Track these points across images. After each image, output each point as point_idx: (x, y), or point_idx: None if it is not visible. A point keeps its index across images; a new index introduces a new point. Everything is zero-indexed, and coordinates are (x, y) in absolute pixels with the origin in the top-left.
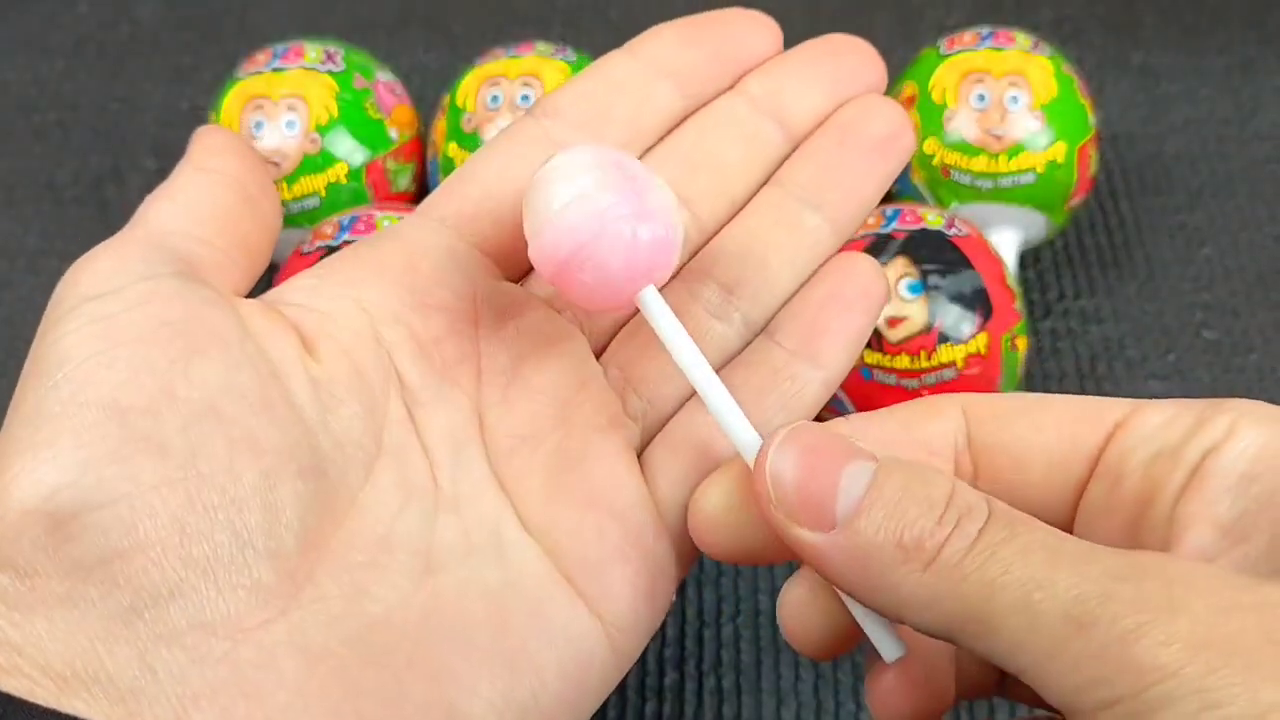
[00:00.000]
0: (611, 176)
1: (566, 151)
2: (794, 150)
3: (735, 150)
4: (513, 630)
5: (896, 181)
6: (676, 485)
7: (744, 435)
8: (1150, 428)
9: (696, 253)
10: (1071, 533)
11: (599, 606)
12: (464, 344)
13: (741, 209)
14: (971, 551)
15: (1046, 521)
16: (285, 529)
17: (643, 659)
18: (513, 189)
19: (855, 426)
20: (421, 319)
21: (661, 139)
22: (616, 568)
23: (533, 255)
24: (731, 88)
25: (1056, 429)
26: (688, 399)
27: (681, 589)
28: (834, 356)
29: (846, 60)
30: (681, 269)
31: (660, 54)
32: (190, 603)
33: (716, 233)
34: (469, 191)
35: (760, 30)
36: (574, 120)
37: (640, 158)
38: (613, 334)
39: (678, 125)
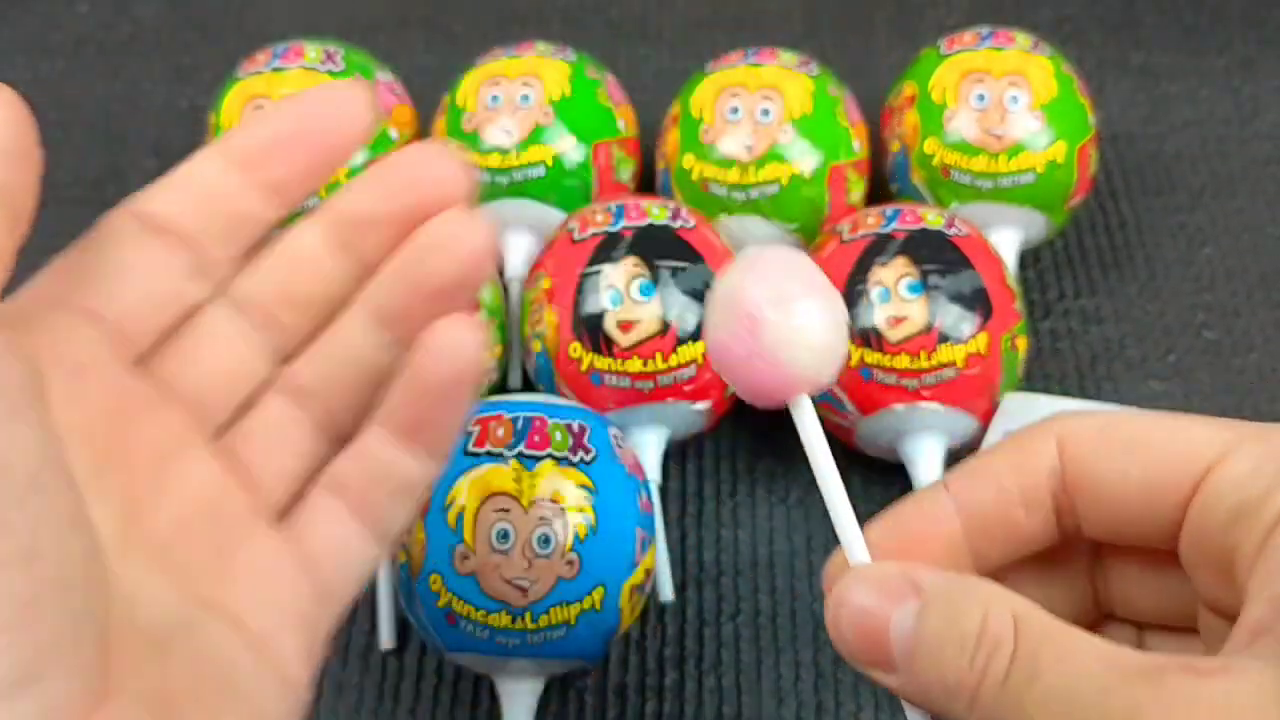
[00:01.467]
0: (797, 285)
1: (761, 252)
2: (372, 273)
3: (313, 282)
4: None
5: (897, 181)
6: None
7: (859, 555)
8: (1232, 480)
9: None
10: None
11: (280, 671)
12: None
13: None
14: (1002, 695)
15: (1153, 545)
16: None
17: (643, 658)
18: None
19: (959, 485)
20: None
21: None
22: (287, 637)
23: (715, 341)
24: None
25: (1143, 476)
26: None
27: (681, 588)
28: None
29: (426, 173)
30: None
31: (252, 155)
32: None
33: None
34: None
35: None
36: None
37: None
38: None
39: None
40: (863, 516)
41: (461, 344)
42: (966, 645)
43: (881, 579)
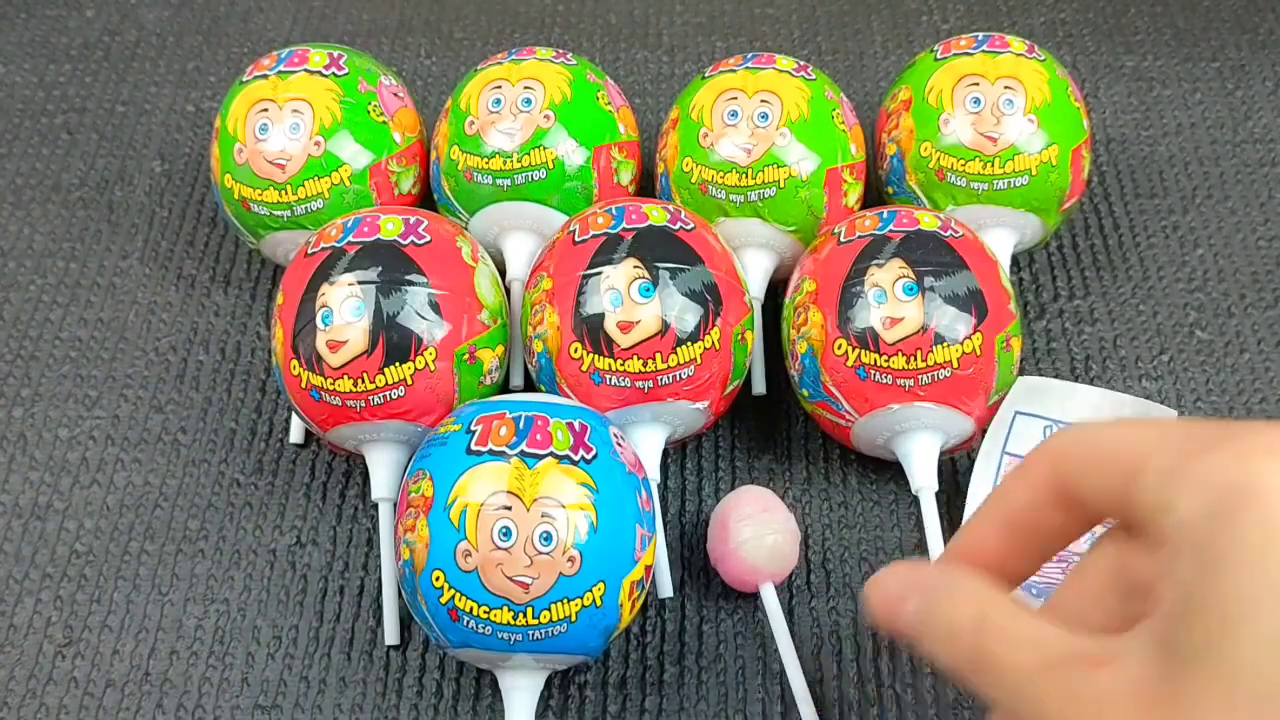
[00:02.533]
0: (769, 518)
1: (740, 493)
2: None
3: None
4: None
5: (893, 184)
6: None
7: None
8: (1146, 481)
9: None
10: None
11: None
12: None
13: None
14: (974, 676)
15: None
16: None
17: (643, 653)
18: None
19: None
20: None
21: None
22: None
23: (708, 540)
24: None
25: (1106, 473)
26: None
27: (681, 585)
28: None
29: None
30: None
31: None
32: None
33: None
34: None
35: None
36: None
37: None
38: None
39: None
40: (863, 515)
41: None
42: (939, 634)
43: (894, 577)
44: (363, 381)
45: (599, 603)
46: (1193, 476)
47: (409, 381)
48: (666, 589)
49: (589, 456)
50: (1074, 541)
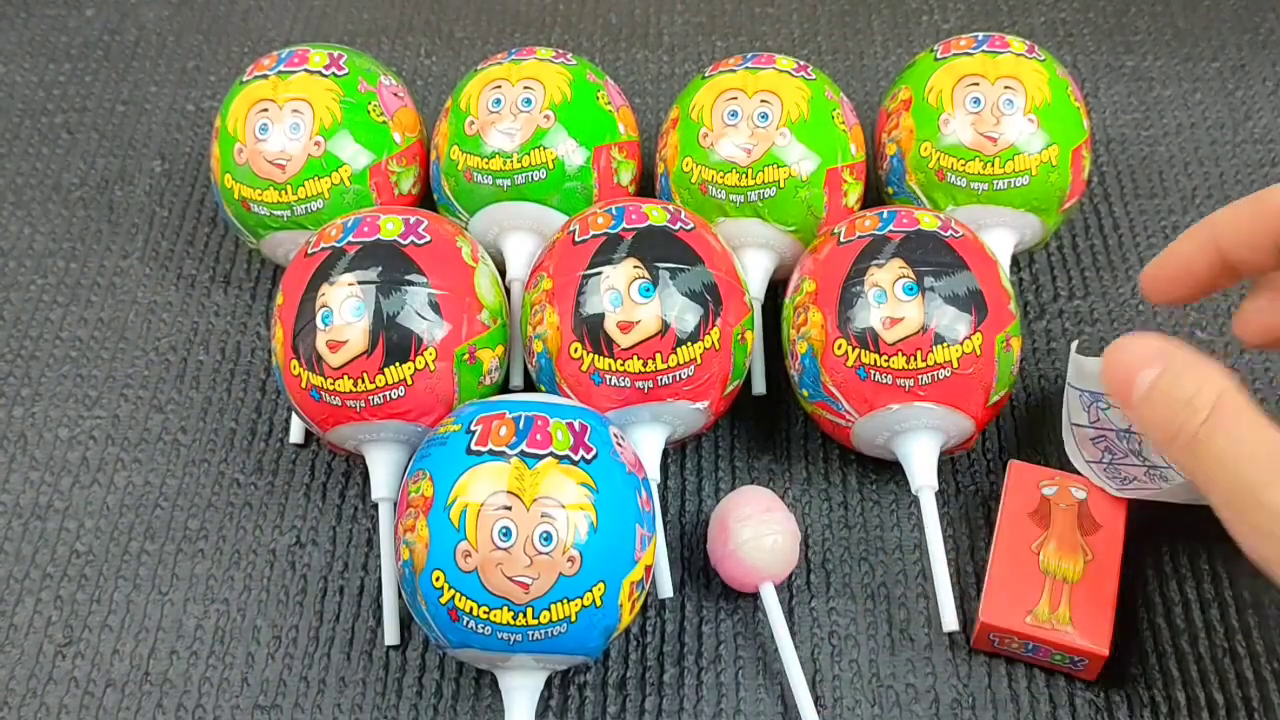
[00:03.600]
0: (769, 519)
1: (740, 494)
2: None
3: None
4: None
5: (893, 184)
6: None
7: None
8: None
9: None
10: None
11: None
12: None
13: None
14: (1191, 445)
15: None
16: None
17: (643, 654)
18: None
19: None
20: None
21: None
22: None
23: (709, 541)
24: None
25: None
26: None
27: (680, 585)
28: None
29: None
30: None
31: None
32: None
33: None
34: None
35: None
36: None
37: None
38: None
39: None
40: (863, 515)
41: None
42: (1176, 405)
43: (1146, 343)
44: (363, 381)
45: (599, 603)
46: None
47: (409, 381)
48: (666, 589)
49: (589, 456)
50: None
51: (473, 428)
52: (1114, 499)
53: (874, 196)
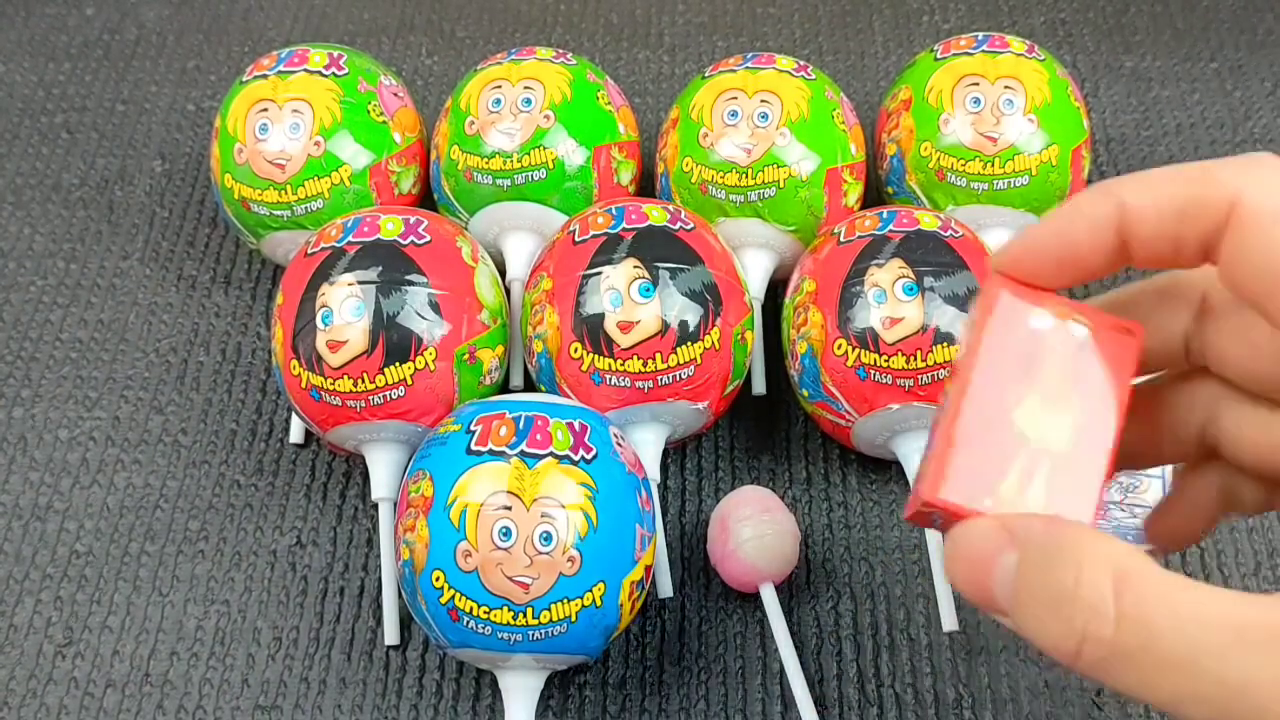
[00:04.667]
0: (769, 519)
1: (740, 494)
2: None
3: None
4: None
5: (893, 184)
6: None
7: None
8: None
9: None
10: None
11: None
12: None
13: None
14: (1111, 658)
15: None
16: None
17: (643, 654)
18: None
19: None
20: None
21: None
22: None
23: (709, 541)
24: None
25: (1179, 205)
26: None
27: (680, 585)
28: None
29: None
30: None
31: None
32: None
33: None
34: None
35: None
36: None
37: None
38: None
39: None
40: (863, 515)
41: None
42: (1061, 607)
43: (978, 544)
44: (363, 381)
45: (599, 603)
46: None
47: (409, 381)
48: (666, 589)
49: (589, 456)
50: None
51: (473, 428)
52: (1127, 342)
53: (874, 196)
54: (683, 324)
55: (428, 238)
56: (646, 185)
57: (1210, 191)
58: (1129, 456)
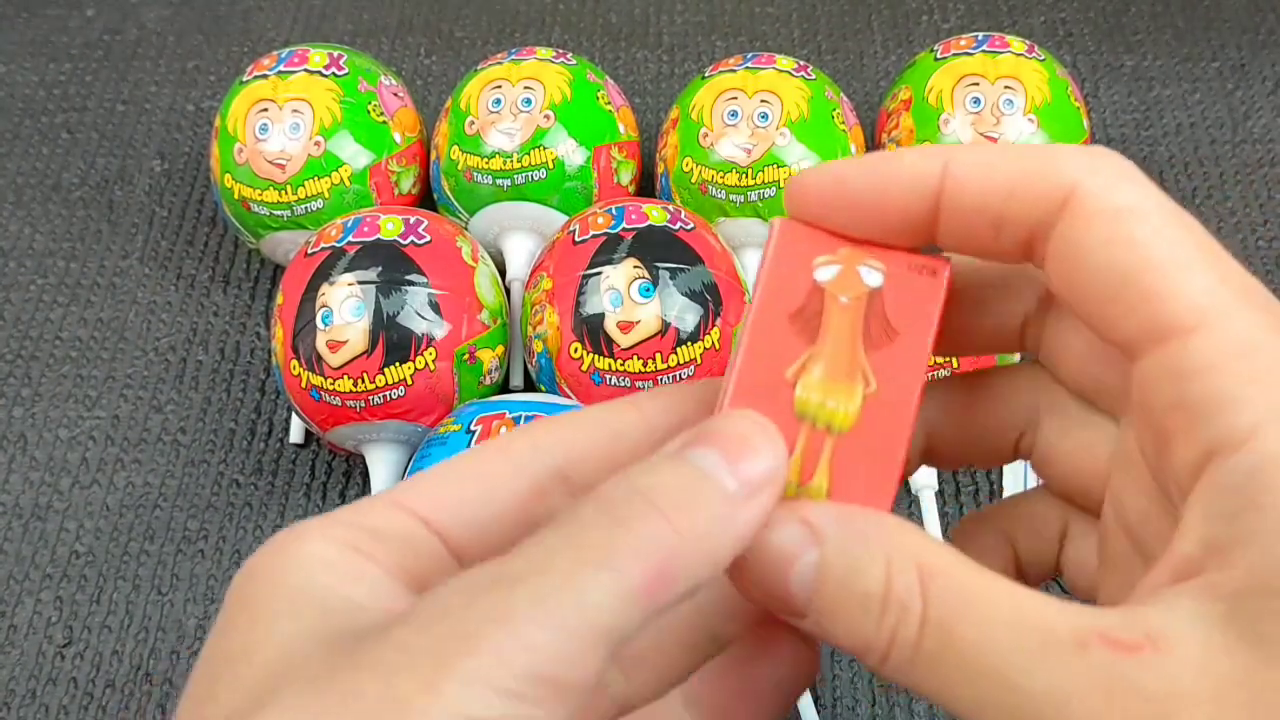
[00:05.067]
0: None
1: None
2: None
3: None
4: None
5: None
6: None
7: None
8: (1206, 359)
9: None
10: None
11: None
12: None
13: None
14: (916, 661)
15: (1005, 257)
16: None
17: None
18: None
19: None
20: None
21: None
22: None
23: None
24: None
25: (1013, 183)
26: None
27: None
28: None
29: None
30: None
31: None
32: None
33: None
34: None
35: None
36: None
37: None
38: None
39: None
40: None
41: (803, 657)
42: (870, 606)
43: (779, 523)
44: (363, 381)
45: None
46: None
47: (409, 381)
48: None
49: None
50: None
51: (473, 428)
52: (929, 285)
53: None
54: (683, 324)
55: (428, 238)
56: (646, 185)
57: (1047, 174)
58: (935, 454)
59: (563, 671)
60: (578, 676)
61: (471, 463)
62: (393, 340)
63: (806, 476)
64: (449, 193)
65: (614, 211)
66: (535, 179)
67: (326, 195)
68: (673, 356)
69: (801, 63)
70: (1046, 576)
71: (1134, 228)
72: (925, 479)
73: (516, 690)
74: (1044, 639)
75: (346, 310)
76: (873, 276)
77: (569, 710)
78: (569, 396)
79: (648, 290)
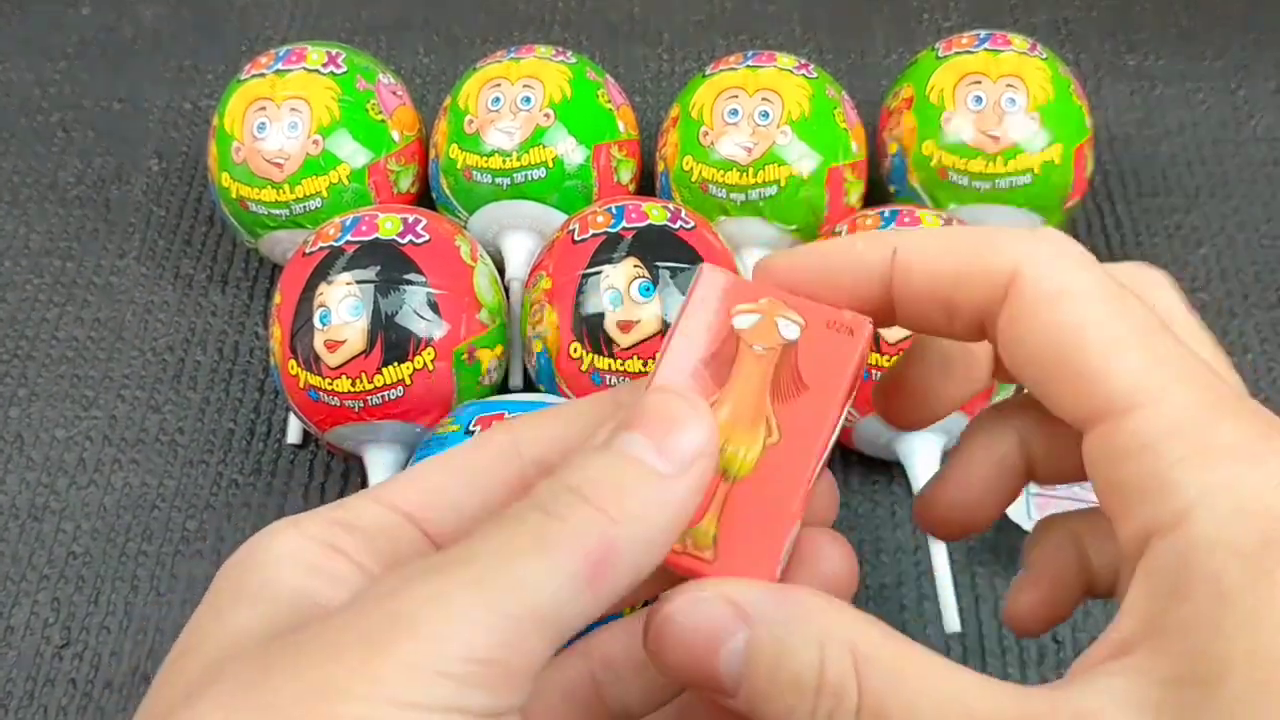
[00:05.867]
0: None
1: None
2: None
3: None
4: None
5: (894, 183)
6: None
7: None
8: (1152, 433)
9: None
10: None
11: None
12: None
13: None
14: None
15: (957, 335)
16: None
17: None
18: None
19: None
20: None
21: None
22: None
23: None
24: None
25: (959, 270)
26: None
27: None
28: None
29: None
30: None
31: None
32: None
33: None
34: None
35: None
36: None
37: None
38: None
39: None
40: (863, 515)
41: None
42: (804, 691)
43: (704, 603)
44: (361, 381)
45: None
46: (1236, 490)
47: (407, 381)
48: None
49: None
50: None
51: (471, 428)
52: (845, 343)
53: (875, 195)
54: None
55: (426, 237)
56: (646, 184)
57: (989, 260)
58: (1033, 470)
59: (503, 655)
60: (519, 662)
61: (454, 457)
62: (391, 340)
63: (696, 519)
64: (448, 191)
65: (614, 210)
66: (534, 178)
67: (324, 194)
68: None
69: (803, 61)
70: (1112, 590)
71: (1071, 310)
72: (927, 479)
73: (456, 673)
74: None
75: (345, 310)
76: (790, 329)
77: (512, 697)
78: (568, 396)
79: (648, 290)
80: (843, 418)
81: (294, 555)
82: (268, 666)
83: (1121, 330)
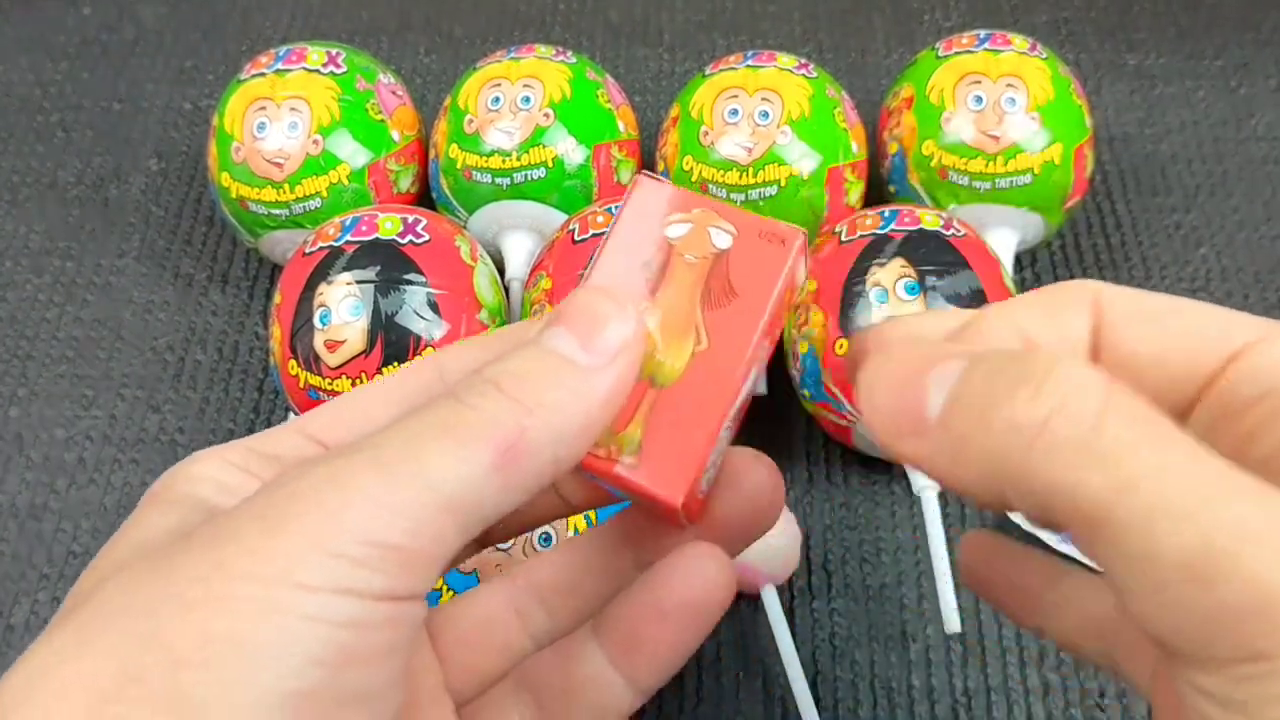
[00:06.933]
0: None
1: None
2: None
3: None
4: None
5: (894, 183)
6: None
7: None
8: (1268, 363)
9: None
10: None
11: None
12: None
13: None
14: (1096, 438)
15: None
16: None
17: None
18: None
19: (982, 327)
20: None
21: None
22: None
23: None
24: None
25: (1180, 340)
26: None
27: None
28: (650, 673)
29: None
30: None
31: None
32: None
33: None
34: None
35: None
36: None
37: None
38: None
39: None
40: (864, 516)
41: (711, 574)
42: (1029, 379)
43: (913, 350)
44: (361, 381)
45: None
46: None
47: None
48: None
49: None
50: None
51: None
52: (776, 252)
53: (876, 195)
54: None
55: (426, 237)
56: None
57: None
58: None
59: (405, 540)
60: (422, 546)
61: (377, 387)
62: (391, 340)
63: (622, 425)
64: (448, 191)
65: (614, 210)
66: (534, 177)
67: (324, 194)
68: None
69: (803, 60)
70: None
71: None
72: (927, 480)
73: (353, 555)
74: (1234, 486)
75: (345, 310)
76: (722, 238)
77: (414, 583)
78: None
79: None
80: (776, 330)
81: (212, 476)
82: (170, 554)
83: None
